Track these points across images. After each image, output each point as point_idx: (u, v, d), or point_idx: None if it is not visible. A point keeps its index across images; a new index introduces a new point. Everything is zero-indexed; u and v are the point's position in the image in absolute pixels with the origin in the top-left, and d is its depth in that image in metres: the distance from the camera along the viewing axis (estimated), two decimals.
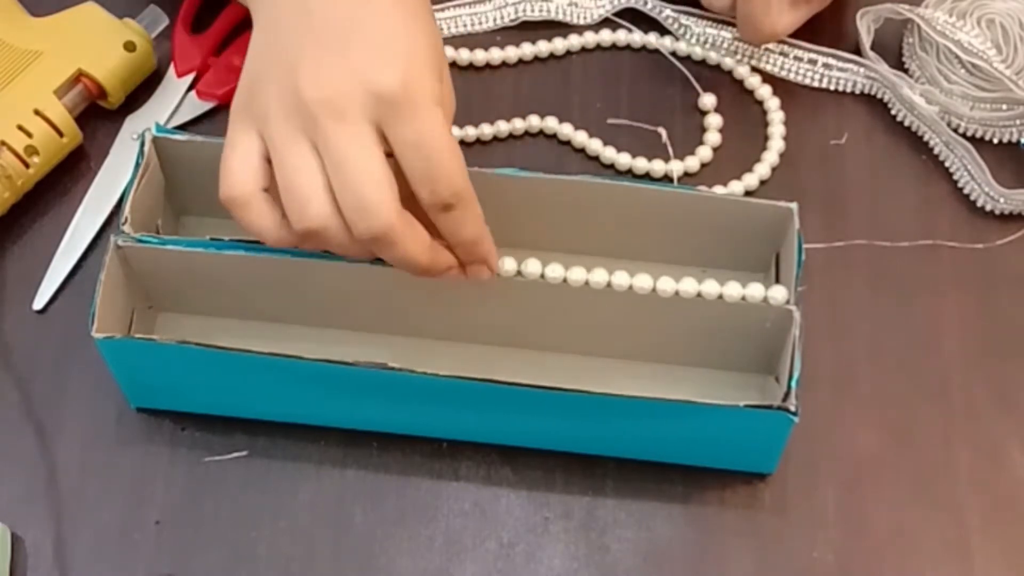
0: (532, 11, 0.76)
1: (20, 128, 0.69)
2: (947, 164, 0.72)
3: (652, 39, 0.76)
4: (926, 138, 0.73)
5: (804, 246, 0.61)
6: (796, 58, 0.75)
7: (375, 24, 0.55)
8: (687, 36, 0.75)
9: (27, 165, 0.69)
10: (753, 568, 0.62)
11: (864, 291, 0.69)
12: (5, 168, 0.68)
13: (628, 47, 0.76)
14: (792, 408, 0.58)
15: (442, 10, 0.76)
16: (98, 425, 0.64)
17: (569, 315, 0.63)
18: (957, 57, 0.72)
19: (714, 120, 0.73)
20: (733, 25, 0.75)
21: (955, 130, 0.72)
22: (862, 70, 0.74)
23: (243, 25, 0.76)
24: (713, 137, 0.73)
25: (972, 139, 0.72)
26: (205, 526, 0.62)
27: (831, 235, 0.70)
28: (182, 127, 0.72)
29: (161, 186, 0.66)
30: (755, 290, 0.60)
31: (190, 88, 0.74)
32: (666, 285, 0.61)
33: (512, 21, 0.76)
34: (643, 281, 0.61)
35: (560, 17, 0.76)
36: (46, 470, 0.63)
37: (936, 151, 0.73)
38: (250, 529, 0.62)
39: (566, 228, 0.66)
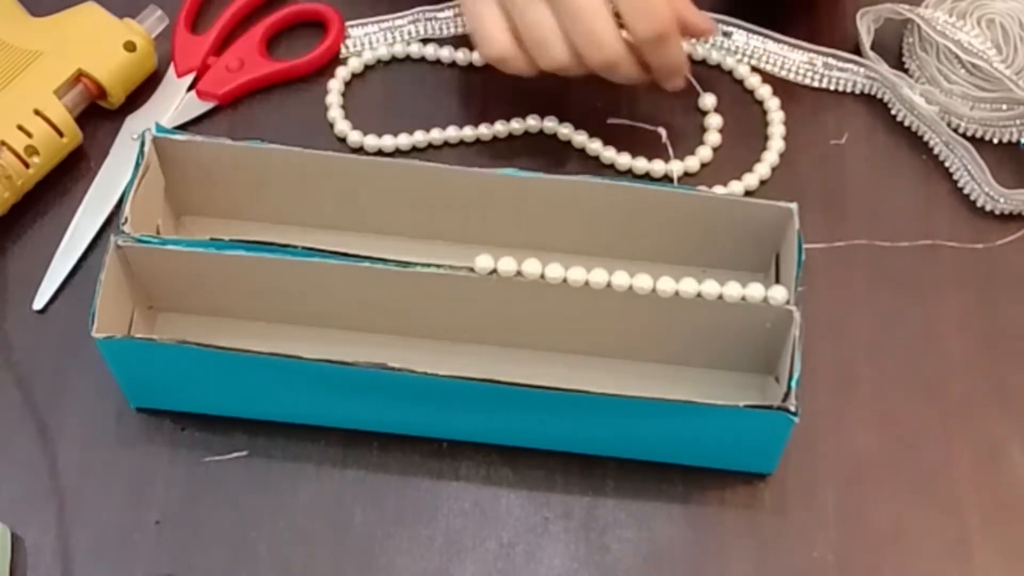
0: None
1: (20, 128, 0.69)
2: (947, 164, 0.72)
3: None
4: (926, 138, 0.73)
5: (804, 246, 0.61)
6: (797, 59, 0.75)
7: None
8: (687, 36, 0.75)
9: (27, 165, 0.69)
10: (753, 568, 0.62)
11: (864, 291, 0.69)
12: (5, 168, 0.68)
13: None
14: (792, 408, 0.58)
15: (442, 10, 0.76)
16: (98, 425, 0.65)
17: (569, 315, 0.63)
18: (957, 57, 0.72)
19: (714, 120, 0.73)
20: (734, 25, 0.75)
21: (955, 130, 0.72)
22: (862, 70, 0.74)
23: (243, 25, 0.76)
24: (713, 137, 0.73)
25: (972, 139, 0.72)
26: (205, 526, 0.62)
27: (831, 235, 0.70)
28: (182, 127, 0.72)
29: (161, 186, 0.66)
30: (755, 290, 0.60)
31: (190, 88, 0.74)
32: (666, 285, 0.61)
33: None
34: (643, 281, 0.61)
35: None
36: (46, 470, 0.63)
37: (936, 151, 0.73)
38: (250, 529, 0.62)
39: (566, 228, 0.66)
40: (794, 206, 0.63)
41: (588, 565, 0.61)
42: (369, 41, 0.76)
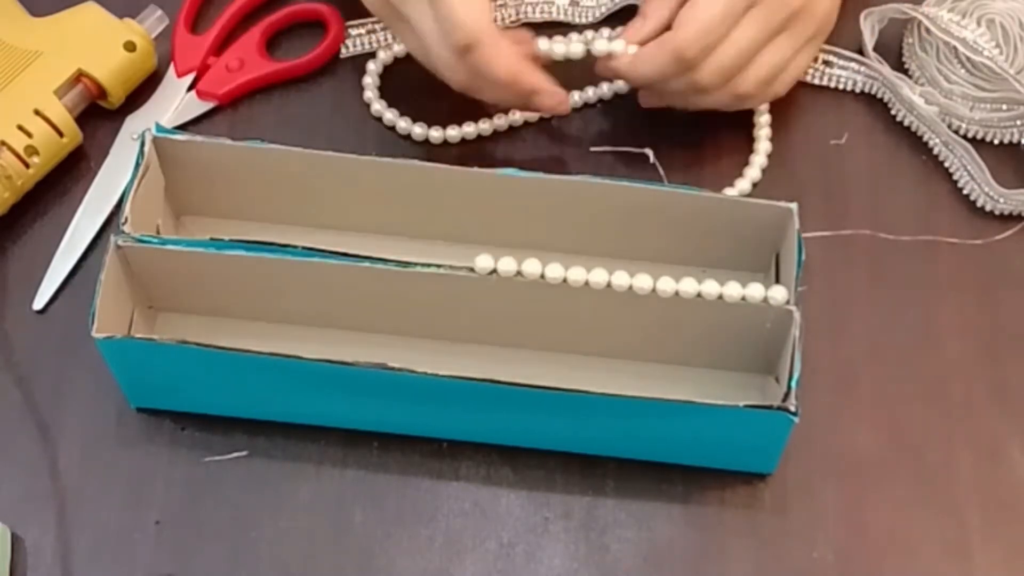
0: (533, 12, 0.76)
1: (20, 128, 0.69)
2: (947, 164, 0.72)
3: None
4: (926, 138, 0.73)
5: (804, 245, 0.61)
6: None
7: None
8: None
9: (27, 165, 0.69)
10: (753, 568, 0.62)
11: (864, 291, 0.69)
12: (5, 168, 0.68)
13: None
14: (792, 408, 0.58)
15: None
16: (98, 425, 0.65)
17: (569, 315, 0.63)
18: (957, 57, 0.72)
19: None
20: None
21: (955, 131, 0.72)
22: (863, 69, 0.74)
23: (243, 25, 0.76)
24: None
25: (972, 140, 0.72)
26: (205, 526, 0.62)
27: (831, 235, 0.70)
28: (182, 127, 0.72)
29: (161, 186, 0.66)
30: (755, 290, 0.60)
31: (190, 88, 0.74)
32: (666, 285, 0.60)
33: (513, 22, 0.76)
34: (643, 281, 0.61)
35: (561, 17, 0.76)
36: (46, 470, 0.63)
37: (936, 151, 0.73)
38: (250, 529, 0.62)
39: (566, 228, 0.66)
40: (794, 206, 0.63)
41: (588, 565, 0.61)
42: (369, 41, 0.76)
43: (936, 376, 0.66)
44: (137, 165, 0.63)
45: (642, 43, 0.68)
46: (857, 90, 0.75)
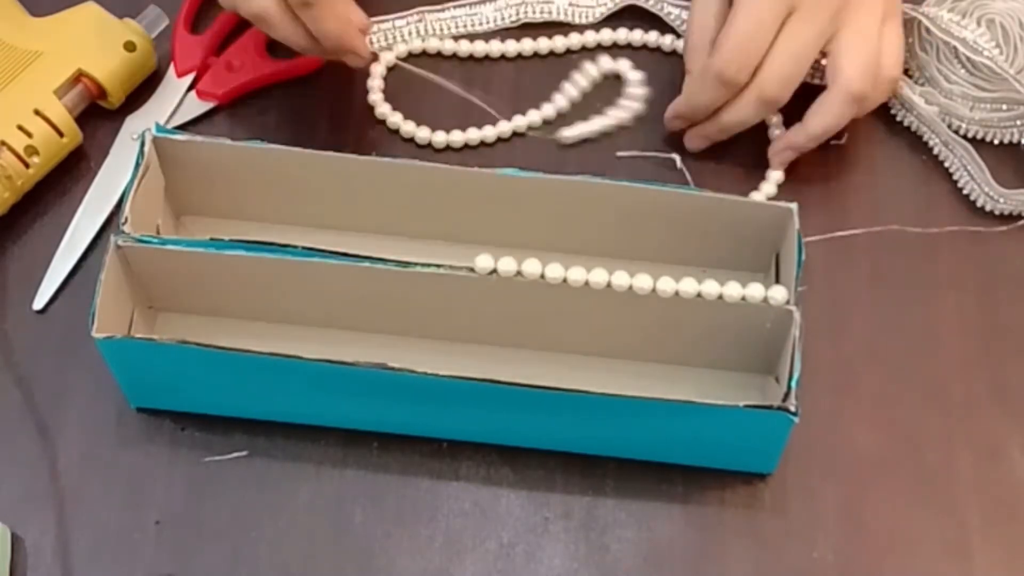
0: (533, 12, 0.76)
1: (20, 128, 0.69)
2: (947, 164, 0.72)
3: (652, 37, 0.76)
4: (926, 138, 0.73)
5: (804, 245, 0.61)
6: None
7: None
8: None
9: (27, 165, 0.69)
10: (753, 568, 0.62)
11: (864, 291, 0.69)
12: (5, 168, 0.68)
13: (629, 45, 0.76)
14: (792, 408, 0.58)
15: (442, 10, 0.76)
16: (98, 425, 0.65)
17: (569, 315, 0.63)
18: (957, 57, 0.72)
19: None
20: None
21: (956, 131, 0.72)
22: None
23: (243, 25, 0.76)
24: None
25: (972, 140, 0.72)
26: (205, 526, 0.62)
27: (831, 235, 0.70)
28: (182, 127, 0.72)
29: (161, 186, 0.66)
30: (755, 290, 0.60)
31: (190, 88, 0.74)
32: (666, 285, 0.61)
33: (513, 22, 0.76)
34: (643, 281, 0.61)
35: (561, 18, 0.76)
36: (46, 470, 0.63)
37: (936, 151, 0.73)
38: (250, 529, 0.62)
39: (566, 228, 0.66)
40: (794, 206, 0.63)
41: (588, 565, 0.61)
42: (369, 41, 0.76)
43: (936, 376, 0.66)
44: (137, 165, 0.63)
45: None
46: None
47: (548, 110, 0.73)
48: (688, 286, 0.60)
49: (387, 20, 0.76)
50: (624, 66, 0.74)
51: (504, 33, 0.76)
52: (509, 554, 0.62)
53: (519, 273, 0.61)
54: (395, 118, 0.73)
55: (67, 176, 0.71)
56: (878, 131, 0.74)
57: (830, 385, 0.66)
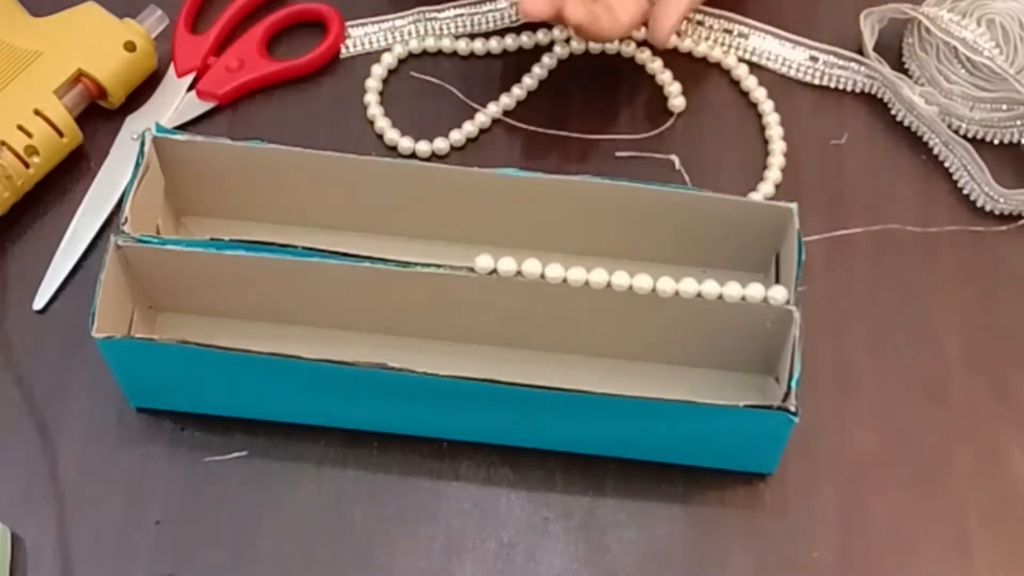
0: None
1: (20, 128, 0.69)
2: (947, 164, 0.72)
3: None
4: (926, 138, 0.73)
5: (804, 245, 0.61)
6: (798, 56, 0.75)
7: None
8: (691, 33, 0.75)
9: (27, 165, 0.69)
10: (753, 568, 0.62)
11: (864, 291, 0.69)
12: (5, 168, 0.68)
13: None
14: (792, 408, 0.58)
15: (443, 10, 0.76)
16: (98, 425, 0.65)
17: (569, 315, 0.63)
18: (957, 57, 0.72)
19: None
20: (736, 21, 0.75)
21: (956, 131, 0.72)
22: (863, 69, 0.74)
23: (243, 25, 0.76)
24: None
25: (972, 140, 0.72)
26: (205, 526, 0.62)
27: (831, 235, 0.70)
28: (182, 127, 0.72)
29: (161, 186, 0.66)
30: (755, 290, 0.60)
31: (190, 88, 0.74)
32: (666, 285, 0.61)
33: (513, 22, 0.76)
34: (643, 281, 0.61)
35: None
36: (46, 470, 0.63)
37: (936, 151, 0.73)
38: (250, 529, 0.62)
39: (566, 228, 0.66)
40: (794, 206, 0.63)
41: (588, 565, 0.61)
42: (369, 41, 0.76)
43: (936, 376, 0.66)
44: (137, 165, 0.63)
45: None
46: (857, 90, 0.75)
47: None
48: (688, 286, 0.60)
49: (387, 20, 0.76)
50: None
51: (504, 33, 0.76)
52: (509, 554, 0.62)
53: (519, 273, 0.61)
54: (393, 134, 0.72)
55: (67, 176, 0.71)
56: (878, 131, 0.74)
57: (830, 385, 0.66)
